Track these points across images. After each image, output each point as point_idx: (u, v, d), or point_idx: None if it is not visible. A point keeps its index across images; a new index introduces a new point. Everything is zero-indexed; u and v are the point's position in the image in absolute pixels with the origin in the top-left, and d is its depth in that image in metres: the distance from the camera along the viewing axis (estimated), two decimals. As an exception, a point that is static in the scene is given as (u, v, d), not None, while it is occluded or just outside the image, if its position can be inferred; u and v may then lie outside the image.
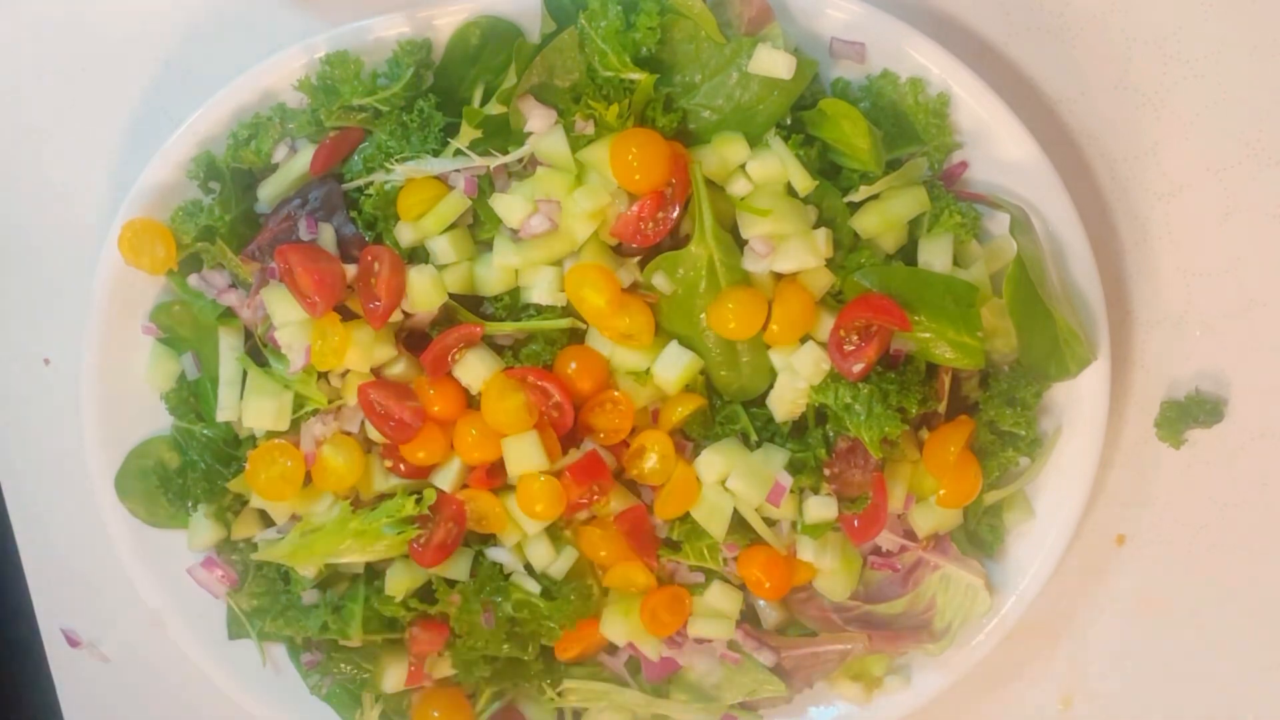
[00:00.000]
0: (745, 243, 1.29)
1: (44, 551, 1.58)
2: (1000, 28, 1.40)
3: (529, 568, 1.37)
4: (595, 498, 1.32)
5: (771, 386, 1.33)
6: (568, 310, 1.32)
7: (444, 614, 1.37)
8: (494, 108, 1.31)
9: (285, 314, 1.31)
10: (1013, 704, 1.51)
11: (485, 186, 1.33)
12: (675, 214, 1.28)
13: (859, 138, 1.29)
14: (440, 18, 1.34)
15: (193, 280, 1.38)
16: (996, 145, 1.33)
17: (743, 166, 1.30)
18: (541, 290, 1.31)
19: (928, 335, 1.28)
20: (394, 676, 1.40)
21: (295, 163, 1.37)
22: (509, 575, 1.37)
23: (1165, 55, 1.39)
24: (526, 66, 1.30)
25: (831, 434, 1.32)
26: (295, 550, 1.35)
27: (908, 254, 1.34)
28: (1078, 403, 1.35)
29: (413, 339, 1.35)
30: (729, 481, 1.31)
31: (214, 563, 1.42)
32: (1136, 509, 1.46)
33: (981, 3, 1.40)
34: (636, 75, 1.28)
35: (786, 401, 1.32)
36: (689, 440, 1.34)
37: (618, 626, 1.36)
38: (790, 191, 1.30)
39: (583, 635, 1.39)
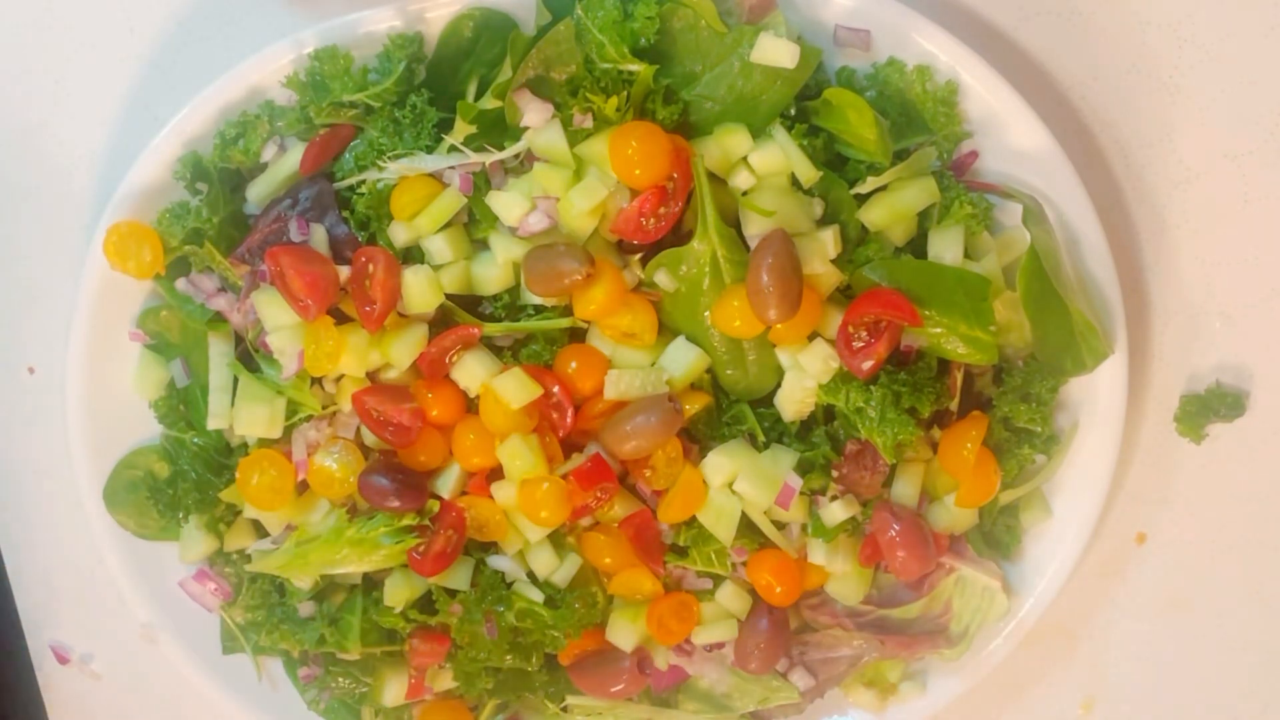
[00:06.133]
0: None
1: (31, 566, 1.58)
2: (1009, 12, 1.40)
3: (532, 576, 1.36)
4: (600, 502, 1.30)
5: (779, 385, 1.32)
6: (567, 309, 1.30)
7: (445, 625, 1.36)
8: (489, 102, 1.31)
9: (277, 318, 1.30)
10: (1032, 709, 1.50)
11: (481, 184, 1.32)
12: (677, 209, 1.27)
13: (865, 128, 1.28)
14: (432, 10, 1.34)
15: (180, 284, 1.38)
16: (1007, 133, 1.33)
17: (745, 159, 1.29)
18: (540, 289, 1.30)
19: (939, 330, 1.27)
20: (394, 689, 1.40)
21: (284, 162, 1.36)
22: (511, 584, 1.36)
23: (1179, 38, 1.38)
24: (522, 59, 1.29)
25: (841, 433, 1.31)
26: (290, 561, 1.34)
27: (917, 247, 1.33)
28: (1095, 397, 1.35)
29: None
30: (737, 484, 1.30)
31: (207, 575, 1.41)
32: (1157, 506, 1.46)
33: (989, -13, 1.40)
34: (635, 66, 1.27)
35: (795, 401, 1.31)
36: (694, 442, 1.33)
37: (624, 635, 1.35)
38: (795, 184, 1.29)
39: (588, 645, 1.37)
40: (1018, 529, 1.38)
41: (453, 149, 1.30)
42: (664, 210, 1.27)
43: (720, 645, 1.37)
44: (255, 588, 1.41)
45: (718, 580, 1.35)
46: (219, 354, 1.37)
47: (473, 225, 1.33)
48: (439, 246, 1.30)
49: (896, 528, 1.28)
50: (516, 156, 1.31)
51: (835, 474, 1.30)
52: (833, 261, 1.28)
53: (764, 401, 1.33)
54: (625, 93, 1.27)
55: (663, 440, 1.28)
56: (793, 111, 1.31)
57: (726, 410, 1.32)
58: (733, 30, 1.28)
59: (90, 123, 1.48)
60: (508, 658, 1.35)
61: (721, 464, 1.29)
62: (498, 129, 1.31)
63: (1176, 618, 1.47)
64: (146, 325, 1.40)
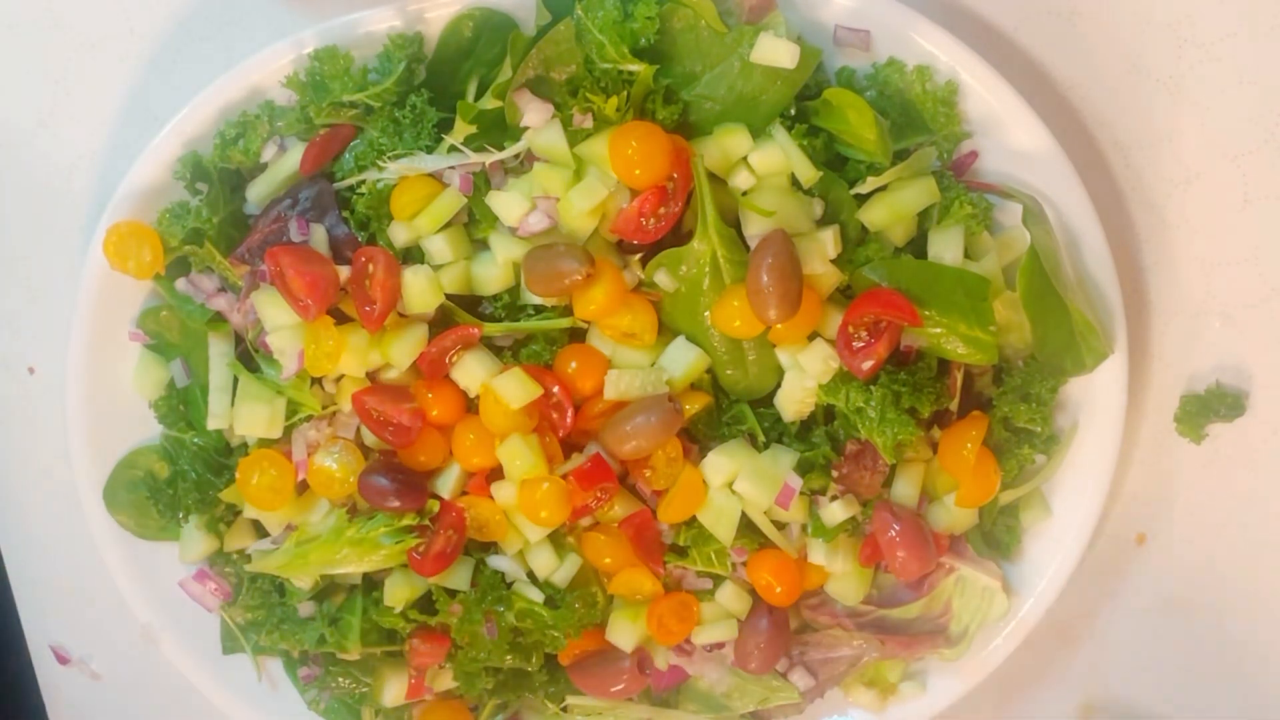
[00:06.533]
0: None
1: (31, 566, 1.57)
2: (1009, 13, 1.40)
3: (532, 576, 1.36)
4: (600, 502, 1.30)
5: (779, 385, 1.31)
6: (567, 309, 1.30)
7: (445, 625, 1.36)
8: (489, 102, 1.31)
9: (277, 318, 1.30)
10: (1031, 710, 1.50)
11: (481, 184, 1.32)
12: (677, 209, 1.27)
13: (865, 128, 1.28)
14: (432, 10, 1.34)
15: (180, 284, 1.38)
16: (1007, 134, 1.33)
17: (745, 159, 1.29)
18: (540, 289, 1.30)
19: (939, 330, 1.27)
20: (394, 690, 1.39)
21: (284, 162, 1.36)
22: (511, 584, 1.36)
23: (1179, 39, 1.38)
24: (522, 59, 1.29)
25: (841, 433, 1.31)
26: (290, 561, 1.34)
27: (917, 247, 1.33)
28: (1095, 397, 1.34)
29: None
30: (737, 484, 1.30)
31: (207, 575, 1.41)
32: (1157, 506, 1.45)
33: (989, -13, 1.40)
34: (635, 66, 1.27)
35: (795, 401, 1.31)
36: (694, 442, 1.33)
37: (624, 635, 1.35)
38: (795, 184, 1.29)
39: (588, 645, 1.37)
40: (1018, 529, 1.38)
41: (453, 149, 1.30)
42: (664, 210, 1.27)
43: (720, 645, 1.36)
44: (255, 588, 1.40)
45: (718, 580, 1.35)
46: (219, 354, 1.36)
47: (473, 225, 1.33)
48: (439, 246, 1.30)
49: (896, 528, 1.28)
50: (516, 156, 1.31)
51: (835, 474, 1.30)
52: (833, 261, 1.28)
53: (764, 401, 1.33)
54: (625, 93, 1.27)
55: (663, 440, 1.28)
56: (793, 111, 1.30)
57: (726, 410, 1.32)
58: (733, 30, 1.28)
59: (90, 123, 1.48)
60: (508, 658, 1.35)
61: (721, 464, 1.29)
62: (498, 129, 1.30)
63: (1177, 618, 1.46)
64: (146, 325, 1.40)
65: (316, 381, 1.33)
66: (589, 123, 1.28)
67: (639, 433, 1.26)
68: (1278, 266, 1.39)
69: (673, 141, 1.26)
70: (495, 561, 1.35)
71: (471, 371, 1.29)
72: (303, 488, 1.34)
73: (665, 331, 1.31)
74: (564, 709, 1.40)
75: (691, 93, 1.30)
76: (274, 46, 1.34)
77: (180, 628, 1.43)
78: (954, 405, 1.32)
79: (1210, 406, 1.40)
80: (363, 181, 1.32)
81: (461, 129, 1.30)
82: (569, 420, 1.29)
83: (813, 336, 1.29)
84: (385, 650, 1.39)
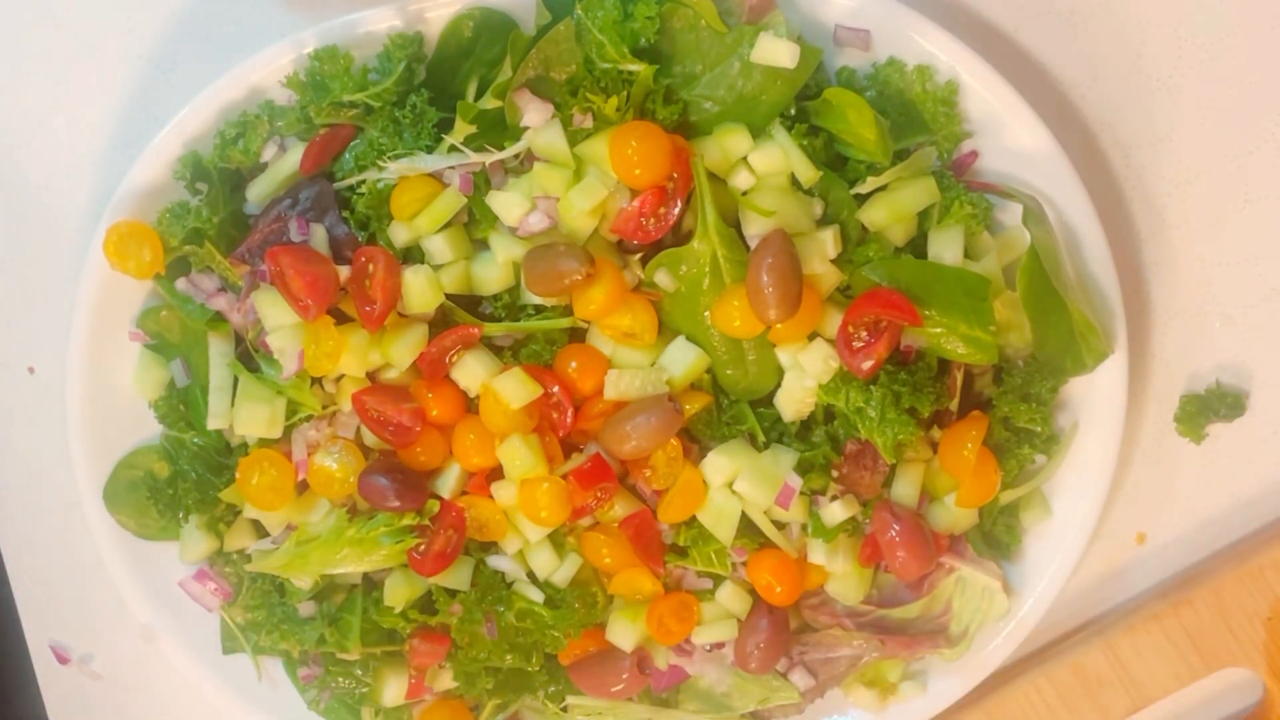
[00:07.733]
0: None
1: (31, 566, 1.57)
2: (1009, 13, 1.40)
3: (532, 576, 1.36)
4: (600, 502, 1.30)
5: (779, 385, 1.31)
6: (567, 309, 1.30)
7: (445, 625, 1.36)
8: (489, 102, 1.31)
9: (277, 318, 1.30)
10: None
11: (481, 183, 1.32)
12: (677, 209, 1.27)
13: (865, 128, 1.28)
14: (432, 10, 1.34)
15: (180, 284, 1.38)
16: (1007, 134, 1.33)
17: (745, 159, 1.29)
18: (540, 289, 1.30)
19: (939, 330, 1.27)
20: (394, 690, 1.39)
21: (285, 162, 1.36)
22: (511, 584, 1.36)
23: (1179, 38, 1.38)
24: (522, 59, 1.29)
25: (841, 433, 1.31)
26: (291, 561, 1.34)
27: (917, 247, 1.33)
28: (1095, 397, 1.34)
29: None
30: (737, 484, 1.29)
31: (207, 575, 1.41)
32: (1157, 506, 1.45)
33: (989, -13, 1.40)
34: (635, 66, 1.27)
35: (795, 400, 1.30)
36: (694, 442, 1.33)
37: (624, 635, 1.34)
38: (795, 184, 1.29)
39: (588, 645, 1.37)
40: (1018, 529, 1.38)
41: (453, 149, 1.30)
42: (664, 210, 1.27)
43: (720, 645, 1.36)
44: (255, 588, 1.40)
45: (718, 580, 1.35)
46: (219, 354, 1.36)
47: (473, 225, 1.33)
48: (439, 246, 1.30)
49: (896, 528, 1.28)
50: (516, 156, 1.30)
51: (835, 474, 1.30)
52: (833, 261, 1.28)
53: (764, 401, 1.32)
54: (625, 93, 1.27)
55: (663, 440, 1.28)
56: (793, 111, 1.30)
57: (726, 410, 1.32)
58: (733, 30, 1.28)
59: (90, 123, 1.48)
60: (508, 658, 1.35)
61: (721, 464, 1.29)
62: (498, 129, 1.30)
63: (1177, 618, 1.46)
64: (146, 325, 1.40)
65: (316, 381, 1.33)
66: (589, 123, 1.28)
67: (639, 433, 1.26)
68: (1278, 266, 1.40)
69: (673, 141, 1.26)
70: (495, 561, 1.35)
71: (471, 371, 1.29)
72: (303, 488, 1.34)
73: (665, 331, 1.31)
74: (564, 709, 1.40)
75: (691, 93, 1.30)
76: (274, 46, 1.34)
77: (180, 628, 1.43)
78: (954, 405, 1.32)
79: (1210, 406, 1.40)
80: (363, 181, 1.32)
81: (461, 129, 1.30)
82: (569, 420, 1.29)
83: (813, 336, 1.29)
84: (385, 650, 1.39)
